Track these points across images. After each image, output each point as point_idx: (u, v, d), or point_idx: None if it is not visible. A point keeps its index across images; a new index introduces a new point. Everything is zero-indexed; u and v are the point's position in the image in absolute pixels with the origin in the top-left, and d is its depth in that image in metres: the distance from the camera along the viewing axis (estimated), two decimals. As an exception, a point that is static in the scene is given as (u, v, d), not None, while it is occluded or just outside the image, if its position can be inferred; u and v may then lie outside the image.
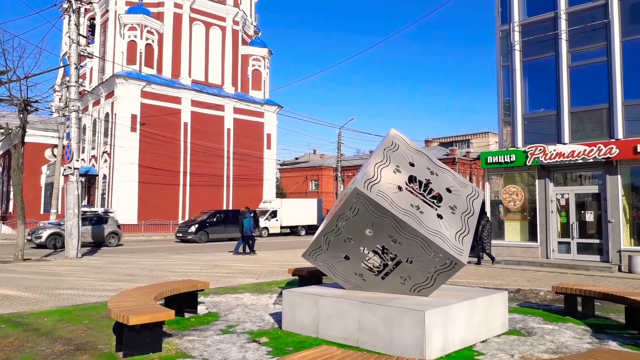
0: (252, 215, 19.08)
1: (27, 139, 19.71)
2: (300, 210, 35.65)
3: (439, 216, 5.45)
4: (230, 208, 36.59)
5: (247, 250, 18.40)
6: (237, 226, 29.31)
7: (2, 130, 18.15)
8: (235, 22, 41.35)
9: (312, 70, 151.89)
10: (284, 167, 70.47)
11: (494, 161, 15.79)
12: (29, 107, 17.72)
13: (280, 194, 50.10)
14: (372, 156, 5.82)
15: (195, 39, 39.16)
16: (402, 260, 5.47)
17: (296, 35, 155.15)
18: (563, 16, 14.99)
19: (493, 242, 15.40)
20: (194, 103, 37.66)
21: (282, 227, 34.41)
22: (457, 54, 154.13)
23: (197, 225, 27.20)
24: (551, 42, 15.24)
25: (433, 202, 5.57)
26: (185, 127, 36.96)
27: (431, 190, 5.71)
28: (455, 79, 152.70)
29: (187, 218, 34.30)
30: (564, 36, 14.90)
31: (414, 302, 5.21)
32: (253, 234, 18.61)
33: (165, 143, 34.95)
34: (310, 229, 36.18)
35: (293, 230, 35.43)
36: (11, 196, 39.29)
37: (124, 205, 33.04)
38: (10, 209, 40.48)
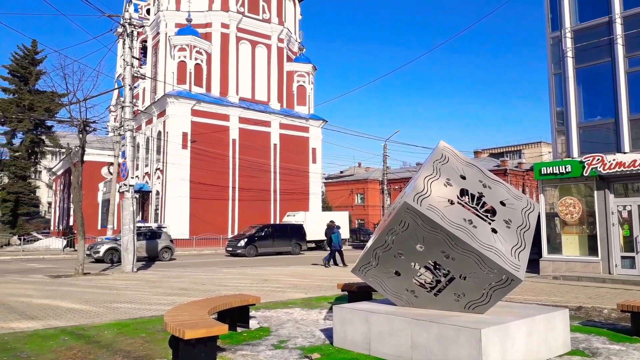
0: (339, 229, 20.33)
1: (85, 158, 20.72)
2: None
3: (494, 230, 5.28)
4: (278, 222, 36.98)
5: (334, 262, 19.62)
6: (284, 240, 29.81)
7: (64, 150, 19.25)
8: (280, 40, 42.19)
9: (356, 84, 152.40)
10: (330, 180, 70.72)
11: (548, 172, 15.22)
12: (87, 128, 18.70)
13: (326, 207, 50.22)
14: (421, 169, 5.74)
15: (242, 58, 40.20)
16: (455, 276, 5.34)
17: (340, 50, 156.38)
18: (618, 20, 14.38)
19: (550, 256, 14.78)
20: (242, 120, 38.55)
21: (307, 242, 31.81)
22: (504, 63, 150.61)
23: (246, 240, 27.64)
24: (606, 47, 14.64)
25: (486, 216, 5.41)
26: (233, 144, 37.84)
27: (484, 203, 5.56)
28: (503, 88, 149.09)
29: (236, 232, 34.94)
30: (619, 41, 14.28)
31: (469, 319, 5.05)
32: (341, 248, 20.00)
33: (215, 159, 35.87)
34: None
35: (318, 245, 33.49)
36: (71, 212, 41.32)
37: (176, 220, 34.06)
38: (71, 224, 42.54)
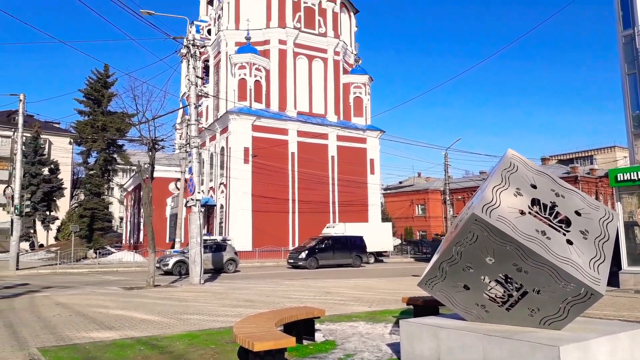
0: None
1: (154, 174, 21.75)
2: (369, 236, 32.55)
3: (569, 242, 5.01)
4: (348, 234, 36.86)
5: None
6: (344, 252, 29.75)
7: (134, 167, 20.36)
8: (336, 53, 42.59)
9: (414, 92, 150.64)
10: (389, 191, 69.97)
11: (625, 179, 14.29)
12: (156, 146, 19.66)
13: (386, 218, 49.69)
14: (488, 179, 5.57)
15: (299, 72, 40.94)
16: (528, 290, 5.10)
17: (397, 59, 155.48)
18: (701, 13, 13.37)
19: (631, 268, 13.80)
20: (300, 133, 39.13)
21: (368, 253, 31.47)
22: (570, 66, 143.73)
23: (307, 252, 27.86)
24: (687, 42, 13.63)
25: (561, 227, 5.15)
26: (292, 157, 38.45)
27: (557, 213, 5.28)
28: (570, 92, 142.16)
29: (296, 244, 35.31)
30: (703, 35, 13.26)
31: (546, 335, 4.81)
32: None
33: (275, 173, 36.57)
34: (381, 256, 34.76)
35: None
36: (142, 227, 43.38)
37: (239, 233, 34.94)
38: (141, 239, 44.65)
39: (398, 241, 51.53)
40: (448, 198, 42.17)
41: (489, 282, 5.38)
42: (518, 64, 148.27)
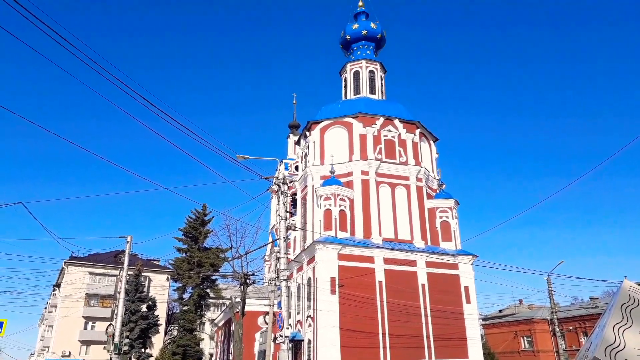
0: None
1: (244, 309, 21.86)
2: None
3: None
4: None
5: None
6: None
7: (226, 302, 20.67)
8: (419, 179, 43.01)
9: (503, 215, 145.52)
10: (488, 322, 64.43)
11: None
12: (248, 281, 20.06)
13: (488, 354, 45.05)
14: (606, 315, 4.87)
15: (382, 200, 41.43)
16: None
17: (481, 182, 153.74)
18: None
19: None
20: (386, 261, 38.31)
21: None
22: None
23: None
24: None
25: None
26: (380, 286, 37.25)
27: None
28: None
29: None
30: None
31: None
32: None
33: (363, 304, 35.35)
34: None
35: None
36: (230, 363, 42.63)
37: (327, 370, 33.05)
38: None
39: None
40: (557, 329, 37.67)
41: None
42: (621, 178, 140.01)
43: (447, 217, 42.38)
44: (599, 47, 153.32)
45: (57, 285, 67.36)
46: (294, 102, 70.61)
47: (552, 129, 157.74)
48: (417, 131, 45.22)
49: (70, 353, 57.71)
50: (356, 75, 50.32)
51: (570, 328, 50.41)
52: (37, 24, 11.67)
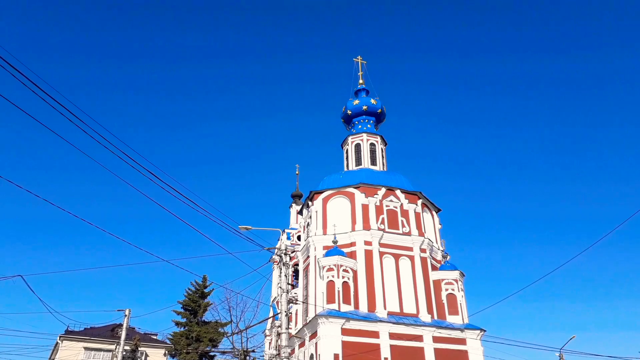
0: None
1: (244, 389, 20.90)
2: None
3: None
4: None
5: None
6: None
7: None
8: (422, 250, 42.59)
9: (511, 288, 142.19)
10: (500, 400, 61.07)
11: None
12: (247, 357, 19.34)
13: None
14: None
15: (386, 271, 40.81)
16: None
17: (489, 252, 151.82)
18: None
19: None
20: (392, 336, 37.05)
21: None
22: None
23: None
24: None
25: None
26: (386, 363, 35.75)
27: None
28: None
29: None
30: None
31: None
32: None
33: (368, 382, 33.77)
34: None
35: None
36: None
37: None
38: None
39: None
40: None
41: None
42: (636, 247, 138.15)
43: (453, 289, 41.51)
44: (606, 108, 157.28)
45: (50, 362, 64.82)
46: (297, 172, 71.69)
47: (561, 196, 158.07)
48: (419, 202, 45.40)
49: None
50: (357, 147, 51.39)
51: (588, 408, 47.72)
52: (49, 101, 12.14)
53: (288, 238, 56.39)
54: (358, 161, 50.57)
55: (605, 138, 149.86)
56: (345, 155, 52.99)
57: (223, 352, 30.78)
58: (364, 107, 53.01)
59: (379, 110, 53.54)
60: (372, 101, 53.50)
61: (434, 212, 47.89)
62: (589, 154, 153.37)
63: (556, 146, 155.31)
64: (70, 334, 58.16)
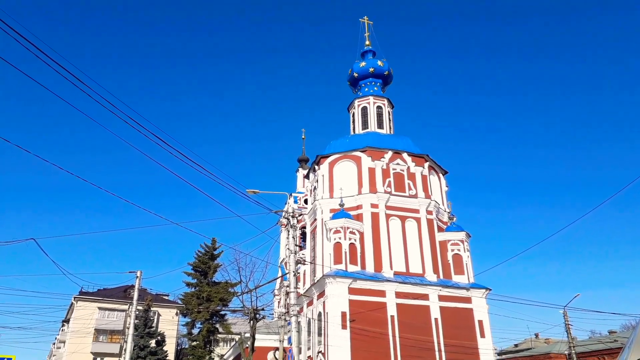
0: None
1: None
2: None
3: None
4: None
5: None
6: None
7: (235, 337, 20.52)
8: (429, 212, 42.88)
9: (517, 248, 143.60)
10: (504, 357, 62.84)
11: None
12: (257, 316, 19.92)
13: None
14: (626, 351, 4.85)
15: (393, 233, 41.23)
16: None
17: (493, 215, 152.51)
18: None
19: None
20: (398, 295, 37.84)
21: None
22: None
23: None
24: None
25: None
26: (392, 321, 36.67)
27: None
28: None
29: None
30: None
31: None
32: None
33: (374, 339, 34.76)
34: None
35: None
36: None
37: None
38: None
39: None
40: (576, 364, 36.66)
41: None
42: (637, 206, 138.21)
43: (458, 250, 42.00)
44: (614, 73, 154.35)
45: (66, 321, 67.01)
46: (303, 137, 71.47)
47: (567, 158, 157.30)
48: (426, 164, 45.37)
49: (78, 390, 56.88)
50: (364, 110, 51.00)
51: (589, 363, 48.92)
52: (54, 66, 12.16)
53: (295, 202, 56.79)
54: (365, 124, 50.30)
55: (613, 100, 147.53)
56: (351, 118, 52.66)
57: (233, 311, 31.72)
58: (371, 69, 52.26)
59: (386, 73, 52.79)
60: (379, 63, 52.68)
61: (440, 175, 47.92)
62: (597, 117, 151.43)
63: (564, 109, 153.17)
64: (84, 295, 59.86)
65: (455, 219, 45.28)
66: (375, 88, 52.40)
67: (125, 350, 27.80)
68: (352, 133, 51.40)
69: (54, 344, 77.26)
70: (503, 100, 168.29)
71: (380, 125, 50.05)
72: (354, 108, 52.01)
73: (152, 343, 47.45)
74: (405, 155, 44.82)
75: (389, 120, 51.38)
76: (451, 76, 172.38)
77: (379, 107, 50.97)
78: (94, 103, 13.33)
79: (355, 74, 52.93)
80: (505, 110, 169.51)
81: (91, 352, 58.90)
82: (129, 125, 14.26)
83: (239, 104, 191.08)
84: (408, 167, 44.37)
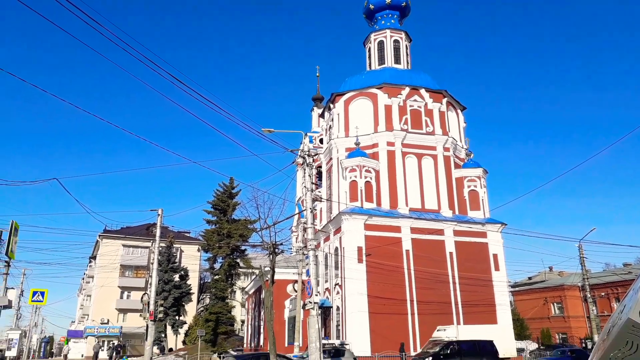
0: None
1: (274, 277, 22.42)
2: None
3: None
4: (462, 338, 34.15)
5: None
6: (473, 358, 27.07)
7: (256, 271, 21.27)
8: (446, 149, 42.50)
9: (532, 184, 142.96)
10: (518, 289, 64.29)
11: None
12: (276, 250, 20.50)
13: (517, 319, 45.13)
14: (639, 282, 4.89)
15: (409, 170, 41.18)
16: None
17: (510, 151, 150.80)
18: None
19: None
20: (413, 230, 38.42)
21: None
22: None
23: (430, 358, 25.96)
24: None
25: None
26: (407, 255, 37.51)
27: None
28: None
29: (418, 349, 33.16)
30: None
31: None
32: None
33: (390, 272, 35.73)
34: None
35: None
36: (262, 330, 43.96)
37: (357, 336, 33.84)
38: (261, 342, 45.11)
39: (534, 345, 46.18)
40: (589, 295, 37.41)
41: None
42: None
43: (475, 186, 41.96)
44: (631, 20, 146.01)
45: (93, 257, 70.05)
46: (317, 74, 69.95)
47: (585, 96, 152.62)
48: (444, 100, 44.45)
49: (108, 320, 60.46)
50: (380, 45, 49.40)
51: (602, 294, 49.90)
52: (66, 5, 11.90)
53: (310, 141, 56.61)
54: (381, 60, 48.90)
55: (635, 37, 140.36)
56: (367, 53, 51.14)
57: (253, 246, 32.69)
58: (387, 1, 50.10)
59: (404, 4, 50.57)
60: (396, -7, 50.35)
61: (459, 111, 47.04)
62: (616, 54, 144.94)
63: (584, 48, 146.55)
64: (108, 233, 62.02)
65: (472, 155, 44.90)
66: (392, 21, 50.45)
67: (150, 284, 29.10)
68: (368, 69, 50.14)
69: (83, 278, 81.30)
70: (523, 36, 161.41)
71: (397, 60, 48.65)
72: (370, 42, 50.41)
73: (176, 277, 49.56)
74: (422, 91, 43.85)
75: (407, 55, 49.85)
76: (471, 9, 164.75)
77: (396, 41, 49.32)
78: (116, 48, 13.17)
79: (372, 6, 50.81)
80: (525, 46, 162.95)
81: (118, 287, 61.95)
82: (150, 69, 14.13)
83: (252, 42, 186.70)
84: (425, 104, 43.54)
